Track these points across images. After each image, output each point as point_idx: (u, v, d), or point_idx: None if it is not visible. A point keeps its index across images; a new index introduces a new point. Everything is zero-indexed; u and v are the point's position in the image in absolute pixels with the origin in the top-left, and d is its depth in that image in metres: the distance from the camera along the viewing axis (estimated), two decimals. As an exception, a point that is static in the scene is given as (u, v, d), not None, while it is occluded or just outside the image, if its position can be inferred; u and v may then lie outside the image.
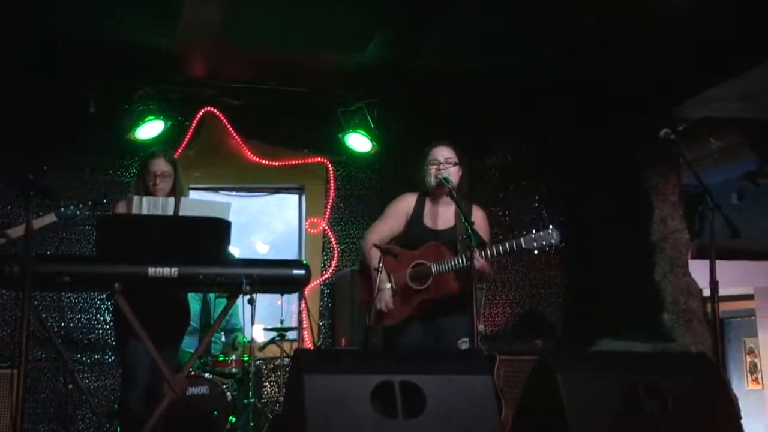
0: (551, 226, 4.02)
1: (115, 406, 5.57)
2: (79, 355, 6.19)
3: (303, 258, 6.79)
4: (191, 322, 4.70)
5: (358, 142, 6.77)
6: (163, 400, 3.73)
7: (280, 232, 7.97)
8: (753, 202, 6.98)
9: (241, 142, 6.83)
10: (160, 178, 4.15)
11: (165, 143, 6.12)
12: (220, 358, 5.65)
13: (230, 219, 3.93)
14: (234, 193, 7.17)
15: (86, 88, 6.10)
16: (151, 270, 3.63)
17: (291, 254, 7.23)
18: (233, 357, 5.66)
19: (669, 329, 5.83)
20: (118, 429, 4.50)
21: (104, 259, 3.73)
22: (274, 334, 5.98)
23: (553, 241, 3.97)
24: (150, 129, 6.28)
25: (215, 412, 5.18)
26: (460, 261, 3.99)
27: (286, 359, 6.37)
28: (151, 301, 3.88)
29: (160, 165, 4.19)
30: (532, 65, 5.84)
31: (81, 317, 6.27)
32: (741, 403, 5.07)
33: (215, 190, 7.02)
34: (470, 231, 3.68)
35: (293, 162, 7.04)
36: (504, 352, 5.22)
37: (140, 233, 3.78)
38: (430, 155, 4.23)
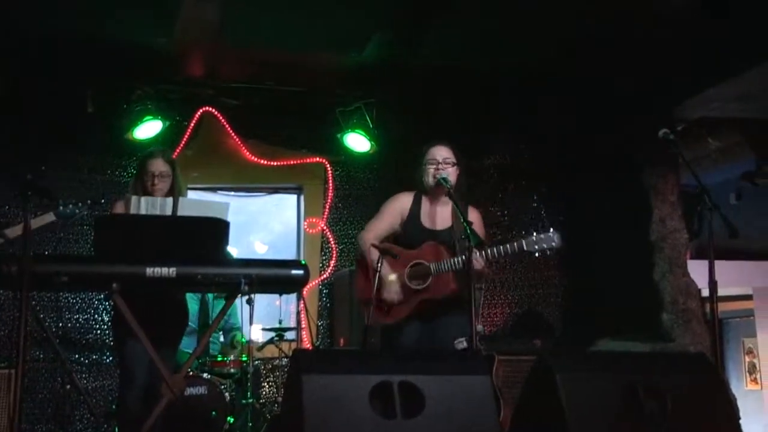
0: (552, 229, 3.99)
1: (113, 407, 5.55)
2: (77, 356, 6.17)
3: (301, 258, 6.78)
4: (189, 323, 4.69)
5: (357, 142, 6.76)
6: (162, 401, 3.73)
7: (279, 232, 7.97)
8: (751, 202, 6.98)
9: (239, 142, 6.83)
10: (158, 178, 4.15)
11: (163, 143, 6.11)
12: (219, 359, 5.64)
13: (228, 219, 3.93)
14: (232, 193, 7.16)
15: (84, 88, 6.09)
16: (149, 270, 3.63)
17: (289, 254, 7.22)
18: (232, 357, 5.66)
19: (668, 329, 5.82)
20: (116, 429, 4.51)
21: (102, 259, 3.73)
22: (272, 334, 5.97)
23: (554, 244, 3.94)
24: (148, 129, 6.27)
25: (213, 413, 5.17)
26: (459, 261, 3.99)
27: (285, 359, 6.36)
28: (149, 302, 3.88)
29: (159, 165, 4.18)
30: (532, 65, 5.84)
31: (79, 317, 6.26)
32: (740, 404, 5.08)
33: (213, 190, 7.01)
34: (469, 231, 3.68)
35: (292, 162, 7.04)
36: (503, 352, 5.21)
37: (138, 233, 3.78)
38: (428, 154, 4.22)
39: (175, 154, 6.02)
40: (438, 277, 4.05)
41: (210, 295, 5.83)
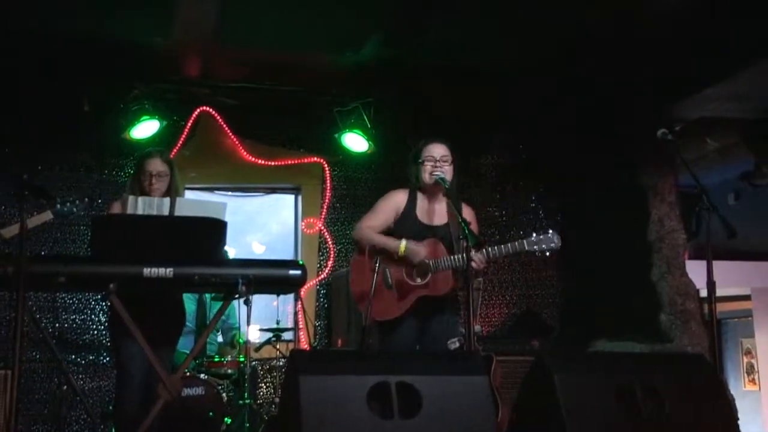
0: (551, 231, 4.03)
1: (110, 408, 5.54)
2: (73, 356, 6.16)
3: (299, 258, 6.78)
4: (187, 323, 4.68)
5: (355, 141, 6.76)
6: (158, 401, 3.72)
7: (276, 232, 7.96)
8: (750, 202, 6.98)
9: (236, 142, 6.82)
10: (156, 178, 4.13)
11: (160, 143, 6.11)
12: (216, 359, 5.63)
13: (226, 219, 3.91)
14: (230, 193, 7.15)
15: (82, 88, 6.08)
16: (146, 270, 3.62)
17: (287, 254, 7.22)
18: (229, 357, 5.65)
19: (666, 330, 5.82)
20: (113, 430, 4.49)
21: (99, 259, 3.71)
22: (269, 334, 5.97)
23: (553, 245, 3.99)
24: (145, 128, 6.26)
25: (211, 414, 5.16)
26: (458, 259, 3.99)
27: (282, 360, 6.35)
28: (146, 302, 3.86)
29: (157, 165, 4.17)
30: (530, 65, 5.83)
31: (75, 318, 6.25)
32: (738, 404, 5.07)
33: (211, 190, 7.00)
34: (467, 232, 3.67)
35: (289, 162, 7.03)
36: (501, 352, 5.22)
37: (135, 233, 3.76)
38: (425, 152, 4.20)
39: (173, 153, 6.00)
40: (437, 274, 4.05)
41: (208, 296, 5.82)
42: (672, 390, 3.05)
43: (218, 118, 6.73)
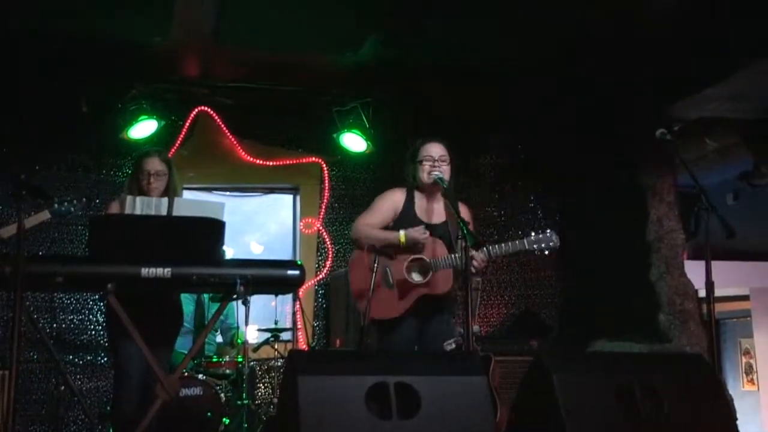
0: (549, 230, 4.06)
1: (108, 408, 5.53)
2: (71, 357, 6.15)
3: (297, 258, 6.78)
4: (185, 323, 4.67)
5: (353, 141, 6.75)
6: (156, 402, 3.71)
7: (275, 232, 7.96)
8: (748, 202, 6.98)
9: (235, 142, 6.81)
10: (154, 178, 4.13)
11: (158, 143, 6.10)
12: (214, 359, 5.62)
13: (224, 219, 3.90)
14: (228, 193, 7.15)
15: (80, 88, 6.07)
16: (144, 270, 3.61)
17: (285, 255, 7.21)
18: (227, 358, 5.64)
19: (665, 330, 5.82)
20: (111, 431, 4.48)
21: (97, 259, 3.70)
22: (268, 335, 5.96)
23: (552, 244, 4.03)
24: (143, 128, 6.25)
25: (209, 414, 5.15)
26: (458, 257, 3.98)
27: (281, 360, 6.35)
28: (144, 302, 3.85)
29: (155, 164, 4.16)
30: (530, 65, 5.83)
31: (73, 318, 6.23)
32: (736, 404, 5.07)
33: (209, 190, 6.99)
34: (466, 232, 3.67)
35: (287, 162, 7.02)
36: (499, 352, 5.21)
37: (133, 233, 3.75)
38: (423, 151, 4.20)
39: (171, 153, 6.00)
40: (437, 273, 4.05)
41: (206, 296, 5.81)
42: (671, 390, 3.04)
43: (216, 118, 6.73)
